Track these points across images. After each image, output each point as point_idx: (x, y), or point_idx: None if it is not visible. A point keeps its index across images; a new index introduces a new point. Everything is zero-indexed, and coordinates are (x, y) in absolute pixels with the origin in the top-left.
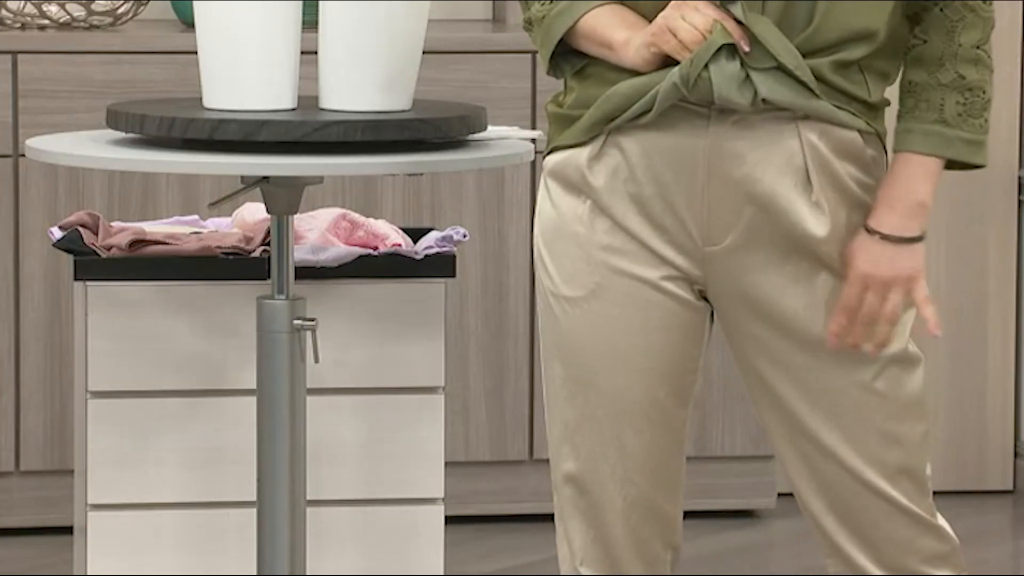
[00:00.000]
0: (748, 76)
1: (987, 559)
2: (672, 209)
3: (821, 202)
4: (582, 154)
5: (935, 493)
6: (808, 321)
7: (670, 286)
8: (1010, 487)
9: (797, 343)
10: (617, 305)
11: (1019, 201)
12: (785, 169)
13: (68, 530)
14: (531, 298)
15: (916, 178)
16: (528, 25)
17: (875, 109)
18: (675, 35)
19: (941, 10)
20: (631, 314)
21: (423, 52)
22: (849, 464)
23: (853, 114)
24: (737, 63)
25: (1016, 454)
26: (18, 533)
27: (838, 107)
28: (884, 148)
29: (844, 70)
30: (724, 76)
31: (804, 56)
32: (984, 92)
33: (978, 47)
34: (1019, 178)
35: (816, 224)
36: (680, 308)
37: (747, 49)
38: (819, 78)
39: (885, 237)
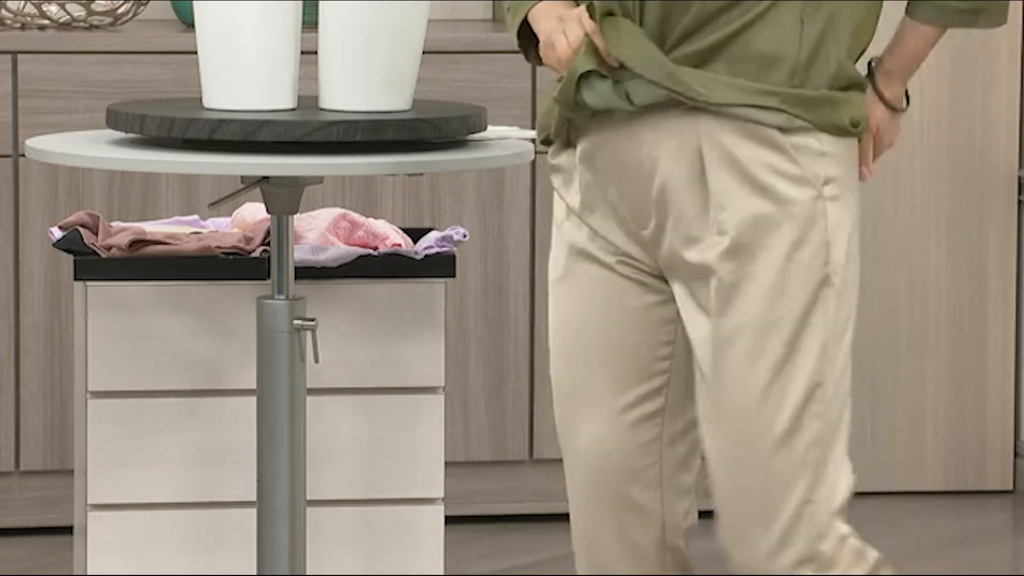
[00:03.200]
0: (623, 85)
1: (987, 559)
2: (611, 199)
3: (715, 187)
4: (554, 147)
5: (935, 493)
6: (712, 324)
7: (626, 270)
8: (1010, 487)
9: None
10: (581, 287)
11: (1019, 201)
12: (679, 156)
13: (68, 530)
14: (531, 298)
15: (918, 52)
16: (504, 13)
17: (810, 99)
18: (554, 50)
19: None
20: (594, 297)
21: (423, 52)
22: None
23: (761, 107)
24: (608, 80)
25: (1016, 454)
26: (18, 533)
27: (739, 104)
28: (851, 130)
29: (740, 64)
30: (597, 94)
31: (694, 54)
32: None
33: None
34: (1019, 178)
35: (707, 207)
36: (640, 290)
37: (614, 66)
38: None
39: (888, 104)
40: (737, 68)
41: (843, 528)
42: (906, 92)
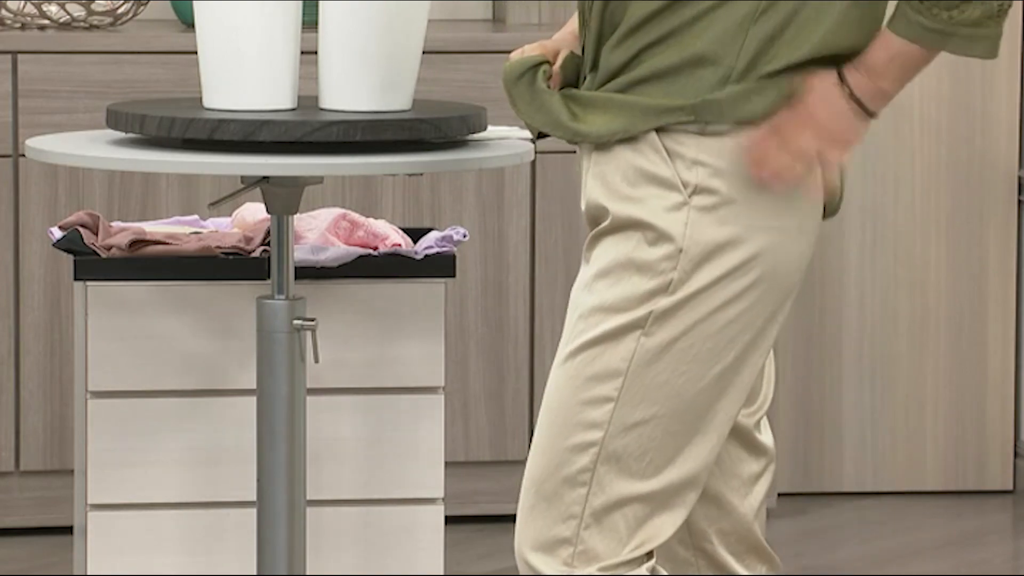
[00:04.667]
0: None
1: (987, 559)
2: None
3: (597, 193)
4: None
5: (935, 493)
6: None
7: None
8: (1010, 487)
9: None
10: None
11: (1019, 201)
12: (592, 180)
13: (68, 530)
14: (531, 298)
15: (893, 58)
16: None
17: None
18: None
19: None
20: None
21: (423, 52)
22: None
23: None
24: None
25: (1016, 454)
26: (18, 533)
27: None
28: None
29: (663, 74)
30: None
31: (627, 60)
32: None
33: None
34: (1019, 178)
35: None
36: None
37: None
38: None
39: (852, 95)
40: (660, 77)
41: None
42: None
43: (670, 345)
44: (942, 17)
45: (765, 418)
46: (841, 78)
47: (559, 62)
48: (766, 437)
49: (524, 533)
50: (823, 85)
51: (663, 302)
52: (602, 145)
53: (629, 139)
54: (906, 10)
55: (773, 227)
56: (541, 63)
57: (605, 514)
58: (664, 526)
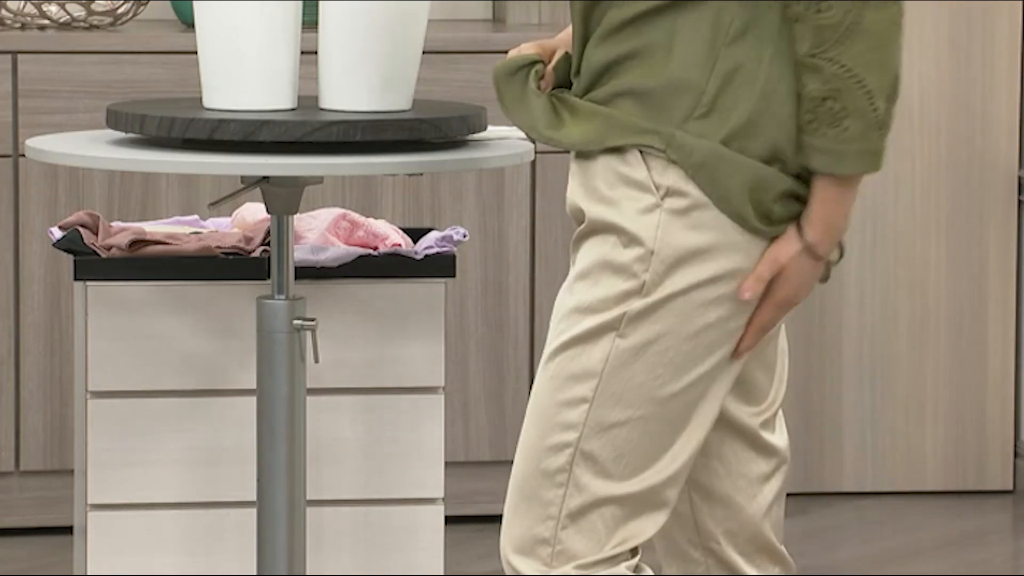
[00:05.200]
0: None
1: (987, 559)
2: None
3: (577, 196)
4: None
5: (935, 493)
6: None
7: None
8: (1010, 487)
9: None
10: None
11: (1019, 201)
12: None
13: (68, 530)
14: (531, 298)
15: (816, 194)
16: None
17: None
18: None
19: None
20: None
21: (423, 52)
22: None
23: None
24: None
25: (1016, 454)
26: (18, 533)
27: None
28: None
29: (614, 99)
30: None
31: (607, 64)
32: (835, 100)
33: (813, 56)
34: (1019, 178)
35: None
36: None
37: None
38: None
39: (807, 247)
40: (638, 97)
41: None
42: (841, 247)
43: (645, 347)
44: (832, 134)
45: (780, 418)
46: (799, 225)
47: (553, 62)
48: (777, 438)
49: (507, 533)
50: (788, 244)
51: (636, 304)
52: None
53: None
54: (803, 140)
55: (745, 229)
56: (535, 63)
57: (582, 515)
58: (645, 526)
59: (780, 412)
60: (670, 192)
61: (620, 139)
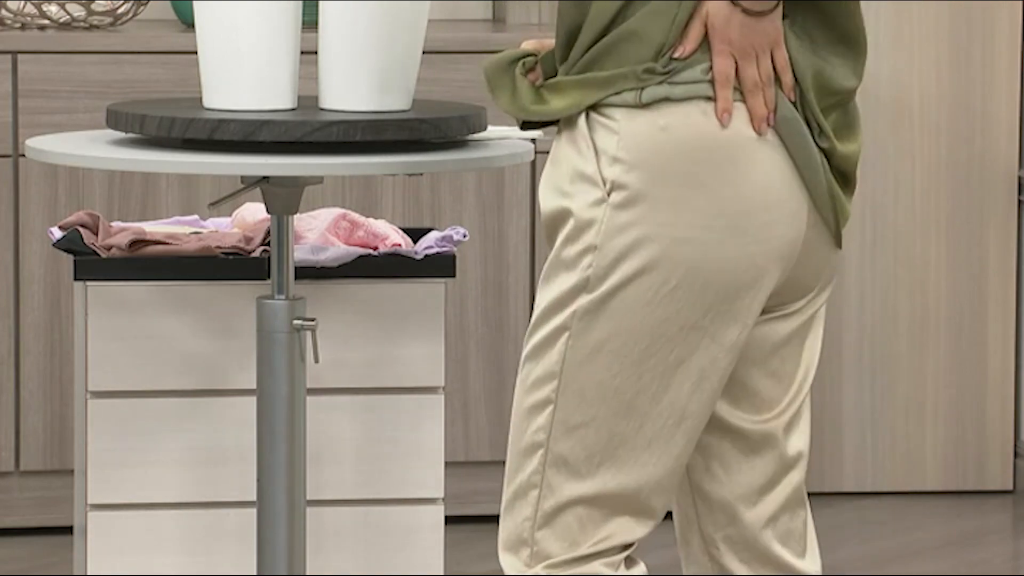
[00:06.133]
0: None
1: (987, 559)
2: None
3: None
4: None
5: (935, 493)
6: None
7: None
8: (1010, 487)
9: None
10: None
11: (1019, 201)
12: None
13: (68, 530)
14: (531, 298)
15: None
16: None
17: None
18: None
19: None
20: None
21: (423, 52)
22: None
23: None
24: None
25: (1016, 454)
26: (18, 533)
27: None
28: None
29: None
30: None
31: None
32: None
33: None
34: (1019, 178)
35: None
36: None
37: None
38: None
39: (745, 10)
40: (606, 53)
41: None
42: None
43: (600, 345)
44: None
45: (800, 426)
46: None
47: (541, 56)
48: (788, 446)
49: (500, 531)
50: (719, 13)
51: (584, 300)
52: (553, 152)
53: (571, 136)
54: None
55: (696, 225)
56: (525, 55)
57: (555, 515)
58: (628, 526)
59: (802, 419)
60: (615, 186)
61: (598, 95)
